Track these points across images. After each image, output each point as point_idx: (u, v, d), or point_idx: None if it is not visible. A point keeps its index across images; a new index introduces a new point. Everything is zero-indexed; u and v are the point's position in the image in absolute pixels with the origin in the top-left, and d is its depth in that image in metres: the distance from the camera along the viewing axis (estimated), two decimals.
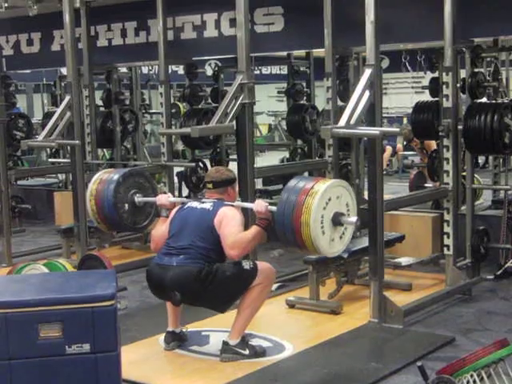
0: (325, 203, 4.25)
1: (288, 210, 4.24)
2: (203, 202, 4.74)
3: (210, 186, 4.80)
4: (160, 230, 4.84)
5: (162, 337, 4.92)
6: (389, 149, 12.84)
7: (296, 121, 8.72)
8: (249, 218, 5.21)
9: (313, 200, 4.19)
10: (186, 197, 8.10)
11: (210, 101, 8.69)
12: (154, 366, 4.70)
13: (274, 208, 4.42)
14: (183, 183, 8.52)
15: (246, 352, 4.63)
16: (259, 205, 4.52)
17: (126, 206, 5.44)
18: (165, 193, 5.56)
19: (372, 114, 5.18)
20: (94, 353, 3.56)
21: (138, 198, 5.45)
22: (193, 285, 4.46)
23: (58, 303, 3.57)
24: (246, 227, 4.72)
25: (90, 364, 3.56)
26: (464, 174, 6.73)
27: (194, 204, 4.76)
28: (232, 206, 4.68)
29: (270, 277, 4.72)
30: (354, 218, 4.38)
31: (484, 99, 6.64)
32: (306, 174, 7.29)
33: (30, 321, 3.52)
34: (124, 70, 9.36)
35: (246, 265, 4.60)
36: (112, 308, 3.61)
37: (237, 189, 5.01)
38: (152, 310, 5.73)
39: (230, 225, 4.51)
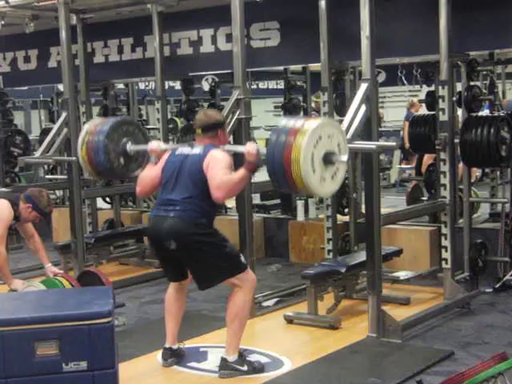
0: (315, 141, 4.15)
1: (278, 150, 4.12)
2: (193, 148, 4.66)
3: (199, 131, 4.71)
4: (148, 173, 4.80)
5: (160, 353, 4.89)
6: None
7: None
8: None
9: (303, 138, 4.09)
10: None
11: None
12: (151, 383, 4.67)
13: (265, 150, 4.29)
14: None
15: (245, 368, 4.61)
16: (251, 147, 4.43)
17: (122, 160, 5.24)
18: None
19: (368, 128, 5.19)
20: (91, 370, 3.54)
21: (130, 147, 5.28)
22: (187, 231, 4.46)
23: (54, 320, 3.55)
24: None
25: (87, 382, 3.53)
26: (461, 187, 6.73)
27: (185, 150, 4.67)
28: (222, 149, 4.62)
29: (252, 284, 4.68)
30: (345, 157, 4.32)
31: (486, 111, 6.63)
32: None
33: (26, 338, 3.50)
34: (121, 86, 9.40)
35: (242, 256, 4.66)
36: (109, 325, 3.59)
37: (227, 132, 4.90)
38: (150, 326, 5.71)
39: (218, 167, 4.44)
